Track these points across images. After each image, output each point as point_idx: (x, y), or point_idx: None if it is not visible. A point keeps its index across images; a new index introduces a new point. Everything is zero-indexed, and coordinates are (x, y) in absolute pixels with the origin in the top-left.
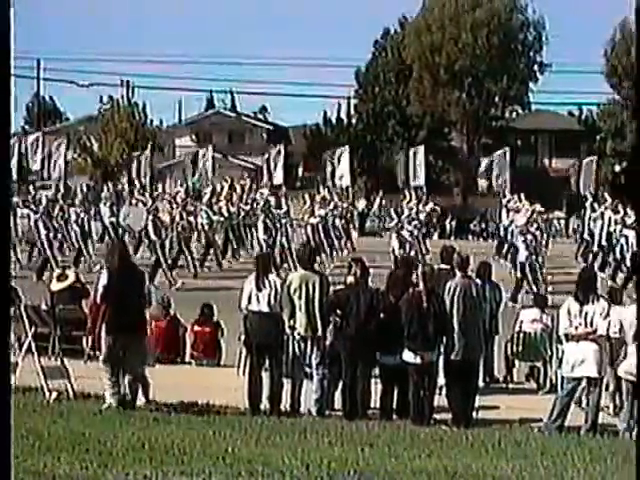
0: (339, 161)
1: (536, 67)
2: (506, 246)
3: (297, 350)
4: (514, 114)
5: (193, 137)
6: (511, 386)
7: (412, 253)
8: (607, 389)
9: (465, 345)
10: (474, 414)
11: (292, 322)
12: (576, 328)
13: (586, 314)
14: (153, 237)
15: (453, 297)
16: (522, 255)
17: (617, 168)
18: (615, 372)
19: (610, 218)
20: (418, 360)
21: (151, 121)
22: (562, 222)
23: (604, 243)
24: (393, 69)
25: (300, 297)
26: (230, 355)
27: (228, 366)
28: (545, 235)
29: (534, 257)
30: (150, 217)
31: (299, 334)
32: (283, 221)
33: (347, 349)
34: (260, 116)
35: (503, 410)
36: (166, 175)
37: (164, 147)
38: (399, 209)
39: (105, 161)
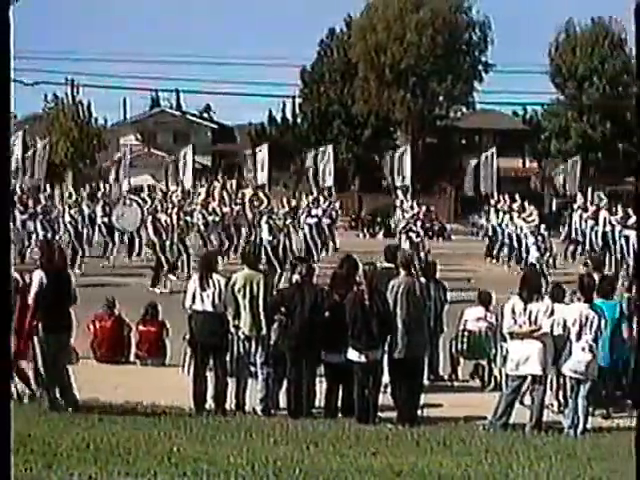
0: (322, 160)
1: (481, 67)
2: (497, 246)
3: (242, 349)
4: (459, 113)
5: (138, 136)
6: (456, 384)
7: (422, 254)
8: (552, 387)
9: (409, 343)
10: (419, 412)
11: (236, 321)
12: (520, 326)
13: (530, 312)
14: (153, 238)
15: (396, 295)
16: (533, 256)
17: (561, 167)
18: (559, 370)
19: (605, 218)
20: (362, 359)
21: (96, 120)
22: None
23: (600, 243)
24: (338, 68)
25: (244, 296)
26: (175, 354)
27: (173, 366)
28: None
29: (545, 257)
30: (150, 218)
31: (243, 333)
32: (287, 222)
33: (291, 348)
34: (205, 115)
35: (448, 408)
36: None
37: (108, 146)
38: (401, 210)
39: (49, 160)
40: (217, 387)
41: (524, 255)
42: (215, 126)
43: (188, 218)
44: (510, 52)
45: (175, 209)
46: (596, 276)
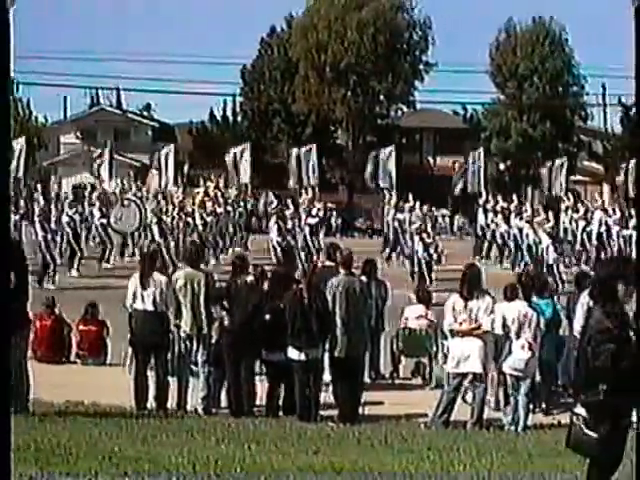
0: (305, 159)
1: (421, 66)
2: (486, 245)
3: (183, 348)
4: (399, 112)
5: (78, 134)
6: (397, 382)
7: (435, 255)
8: (492, 384)
9: (349, 342)
10: (360, 410)
11: (177, 320)
12: (460, 324)
13: (471, 310)
14: (159, 240)
15: (335, 294)
16: (551, 257)
17: (502, 167)
18: (499, 367)
19: (601, 219)
20: (303, 357)
21: (36, 118)
22: (447, 219)
23: (594, 242)
24: (279, 67)
25: (185, 295)
26: (116, 354)
27: (114, 365)
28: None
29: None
30: (154, 219)
31: (185, 332)
32: (296, 222)
33: (231, 347)
34: (145, 113)
35: (389, 406)
36: (50, 172)
37: (48, 144)
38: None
39: None
40: (158, 386)
41: (524, 255)
42: (156, 124)
43: (190, 219)
44: (451, 52)
45: (177, 210)
46: (536, 275)
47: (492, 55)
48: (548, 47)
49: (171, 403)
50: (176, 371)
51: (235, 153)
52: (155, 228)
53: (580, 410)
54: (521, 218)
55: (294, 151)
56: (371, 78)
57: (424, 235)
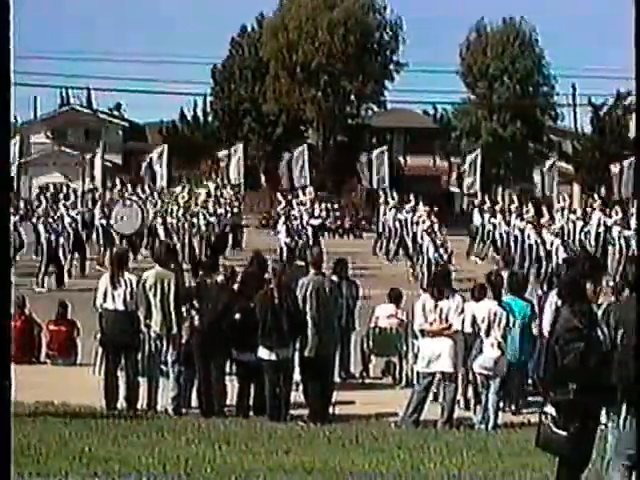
0: (297, 160)
1: (392, 66)
2: (481, 245)
3: (153, 348)
4: (370, 112)
5: (48, 134)
6: (367, 381)
7: (445, 255)
8: (463, 383)
9: (319, 341)
10: (331, 410)
11: (148, 320)
12: (431, 324)
13: (441, 310)
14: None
15: (306, 293)
16: (561, 257)
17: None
18: (469, 367)
19: (599, 219)
20: (273, 357)
21: None
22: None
23: (592, 243)
24: (249, 67)
25: (155, 295)
26: (86, 354)
27: (84, 365)
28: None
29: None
30: (160, 220)
31: (155, 332)
32: (314, 223)
33: (202, 347)
34: (116, 113)
35: (360, 405)
36: (21, 172)
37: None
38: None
39: None
40: (128, 386)
41: (525, 255)
42: (126, 124)
43: (195, 220)
44: (421, 52)
45: (181, 211)
46: (505, 273)
47: (462, 55)
48: (518, 47)
49: (141, 403)
50: (146, 371)
51: (229, 153)
52: (161, 229)
53: (550, 409)
54: (522, 219)
55: (286, 154)
56: (342, 78)
57: (434, 236)
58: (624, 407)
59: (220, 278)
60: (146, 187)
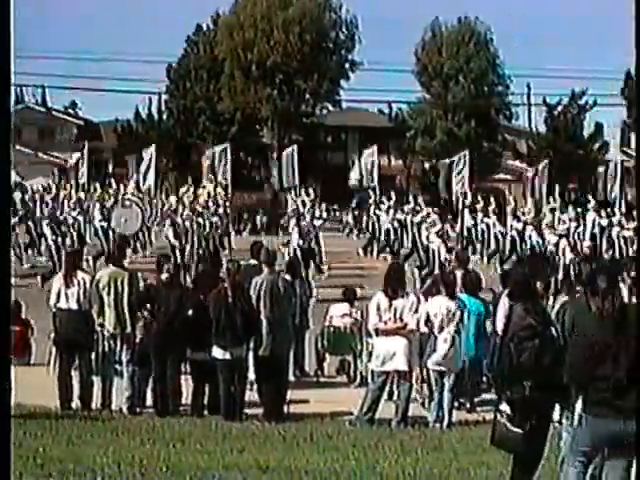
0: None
1: (347, 65)
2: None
3: (107, 348)
4: (325, 111)
5: None
6: (322, 380)
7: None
8: (417, 381)
9: (273, 340)
10: (285, 408)
11: (101, 319)
12: (385, 323)
13: (395, 309)
14: (173, 241)
15: (259, 292)
16: (568, 257)
17: (427, 165)
18: (424, 364)
19: (594, 220)
20: (227, 356)
21: None
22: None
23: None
24: (205, 65)
25: (109, 294)
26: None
27: (38, 365)
28: None
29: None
30: (168, 221)
31: (108, 332)
32: (317, 224)
33: (156, 346)
34: (71, 112)
35: (314, 404)
36: None
37: None
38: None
39: None
40: (82, 386)
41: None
42: (81, 123)
43: (200, 220)
44: (377, 51)
45: (186, 211)
46: (459, 272)
47: (417, 54)
48: (473, 47)
49: (95, 403)
50: (100, 371)
51: (214, 153)
52: (170, 231)
53: (504, 407)
54: (519, 220)
55: (278, 153)
56: (297, 77)
57: (445, 238)
58: (578, 404)
59: (165, 276)
60: (130, 187)
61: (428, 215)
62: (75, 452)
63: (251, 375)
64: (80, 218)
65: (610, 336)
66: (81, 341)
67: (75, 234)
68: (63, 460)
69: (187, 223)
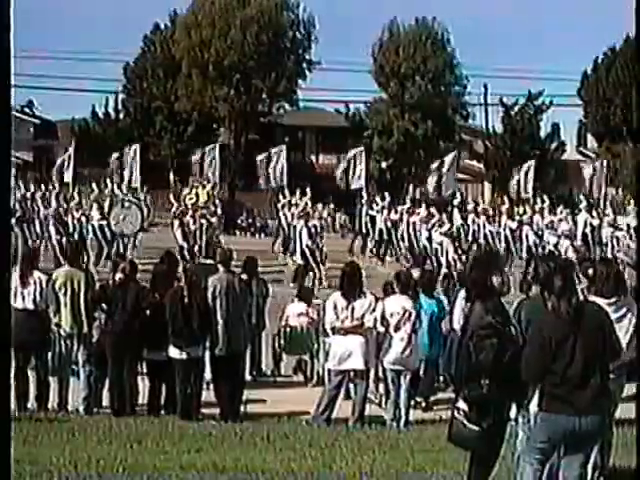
0: (275, 160)
1: (305, 64)
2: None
3: (63, 348)
4: (282, 110)
5: None
6: (279, 379)
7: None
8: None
9: (230, 340)
10: (242, 408)
11: (57, 319)
12: (342, 322)
13: (353, 308)
14: (182, 242)
15: (215, 292)
16: (570, 257)
17: (383, 165)
18: (380, 363)
19: (586, 220)
20: (184, 355)
21: None
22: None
23: (579, 242)
24: (162, 64)
25: (65, 294)
26: None
27: None
28: None
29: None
30: (177, 222)
31: (65, 331)
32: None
33: (112, 346)
34: (27, 110)
35: (271, 403)
36: None
37: None
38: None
39: None
40: (39, 386)
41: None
42: (37, 121)
43: (203, 221)
44: (334, 50)
45: (191, 212)
46: (416, 272)
47: (375, 54)
48: (430, 47)
49: (52, 403)
50: (57, 371)
51: (203, 152)
52: (178, 232)
53: (462, 404)
54: (513, 220)
55: (265, 154)
56: (254, 76)
57: (454, 237)
58: (533, 402)
59: (119, 276)
60: (110, 185)
61: (432, 215)
62: (31, 453)
63: (208, 375)
64: (83, 219)
65: (565, 334)
66: (37, 341)
67: (77, 236)
68: (19, 461)
69: (197, 224)
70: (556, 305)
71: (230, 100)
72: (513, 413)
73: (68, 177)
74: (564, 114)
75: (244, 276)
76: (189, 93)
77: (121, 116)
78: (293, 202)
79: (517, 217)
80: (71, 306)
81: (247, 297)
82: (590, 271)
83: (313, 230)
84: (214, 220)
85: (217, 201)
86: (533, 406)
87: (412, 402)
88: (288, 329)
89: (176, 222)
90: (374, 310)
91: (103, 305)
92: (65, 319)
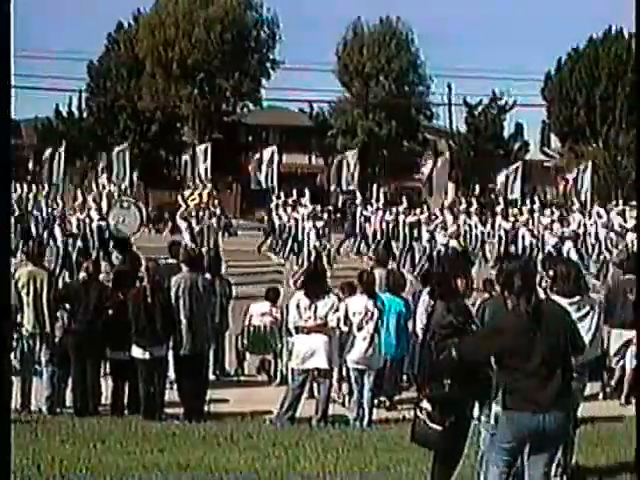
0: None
1: (268, 64)
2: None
3: (26, 347)
4: (246, 110)
5: None
6: (242, 379)
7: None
8: (337, 380)
9: (193, 339)
10: (205, 408)
11: (20, 319)
12: (306, 321)
13: (316, 307)
14: (191, 244)
15: (179, 291)
16: (573, 255)
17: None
18: (343, 362)
19: (580, 222)
20: (147, 355)
21: None
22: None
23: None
24: (125, 63)
25: (28, 293)
26: None
27: None
28: None
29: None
30: (185, 224)
31: (27, 331)
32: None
33: (75, 346)
34: None
35: (234, 403)
36: None
37: None
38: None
39: None
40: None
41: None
42: None
43: (213, 220)
44: (298, 50)
45: (206, 214)
46: (379, 271)
47: (339, 54)
48: (394, 47)
49: (15, 403)
50: (19, 371)
51: (195, 152)
52: (187, 234)
53: (425, 404)
54: (508, 220)
55: (257, 155)
56: (218, 75)
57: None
58: (496, 401)
59: (83, 275)
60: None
61: (436, 216)
62: None
63: (171, 374)
64: (87, 221)
65: (524, 332)
66: None
67: (81, 235)
68: None
69: (205, 226)
70: (515, 304)
71: (194, 99)
72: (476, 412)
73: (57, 177)
74: (527, 114)
75: (207, 275)
76: (153, 92)
77: (85, 115)
78: (289, 202)
79: (511, 218)
80: (34, 305)
81: (211, 296)
82: (551, 271)
83: (321, 231)
84: (213, 221)
85: (216, 202)
86: (495, 405)
87: (376, 401)
88: (252, 328)
89: (184, 224)
90: (337, 310)
91: (66, 305)
92: (28, 319)
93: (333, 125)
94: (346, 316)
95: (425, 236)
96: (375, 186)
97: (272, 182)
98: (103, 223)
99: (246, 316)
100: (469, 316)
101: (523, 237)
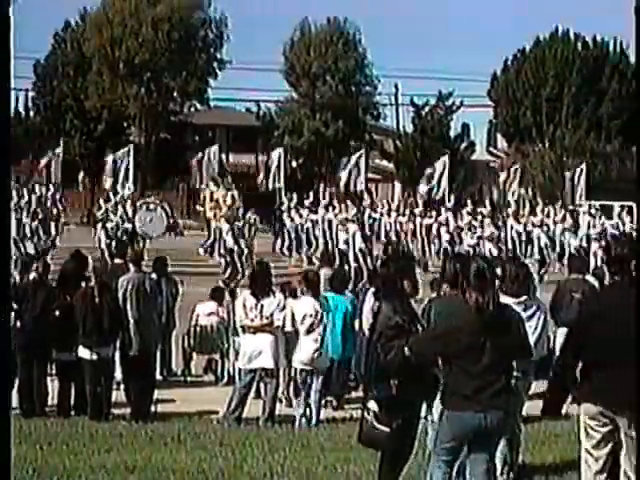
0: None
1: (216, 64)
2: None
3: None
4: (193, 109)
5: None
6: (189, 379)
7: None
8: (284, 380)
9: (140, 339)
10: (152, 408)
11: None
12: (252, 320)
13: (262, 307)
14: (233, 247)
15: (126, 292)
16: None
17: (294, 164)
18: (290, 362)
19: (589, 223)
20: (94, 356)
21: None
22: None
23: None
24: (72, 62)
25: None
26: None
27: None
28: None
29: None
30: (227, 227)
31: None
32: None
33: (21, 347)
34: None
35: (181, 403)
36: None
37: None
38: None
39: None
40: None
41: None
42: None
43: (238, 223)
44: (245, 50)
45: (248, 215)
46: (325, 271)
47: (286, 54)
48: (342, 47)
49: None
50: None
51: (202, 155)
52: (229, 236)
53: (372, 405)
54: (519, 222)
55: (264, 156)
56: (165, 75)
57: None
58: (438, 400)
59: (33, 275)
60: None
61: (475, 218)
62: None
63: (118, 375)
64: (120, 221)
65: (471, 332)
66: None
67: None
68: None
69: (245, 228)
70: (463, 303)
71: (141, 98)
72: (423, 412)
73: (57, 178)
74: (474, 115)
75: (154, 275)
76: (99, 91)
77: (31, 114)
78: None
79: (522, 219)
80: None
81: (157, 296)
82: (499, 270)
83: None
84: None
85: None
86: (437, 404)
87: (323, 401)
88: (198, 328)
89: (226, 226)
90: (283, 309)
91: (13, 305)
92: None
93: (280, 125)
94: (293, 317)
95: (445, 237)
96: (322, 185)
97: (279, 183)
98: (129, 225)
99: (192, 316)
100: (415, 316)
101: (539, 238)
